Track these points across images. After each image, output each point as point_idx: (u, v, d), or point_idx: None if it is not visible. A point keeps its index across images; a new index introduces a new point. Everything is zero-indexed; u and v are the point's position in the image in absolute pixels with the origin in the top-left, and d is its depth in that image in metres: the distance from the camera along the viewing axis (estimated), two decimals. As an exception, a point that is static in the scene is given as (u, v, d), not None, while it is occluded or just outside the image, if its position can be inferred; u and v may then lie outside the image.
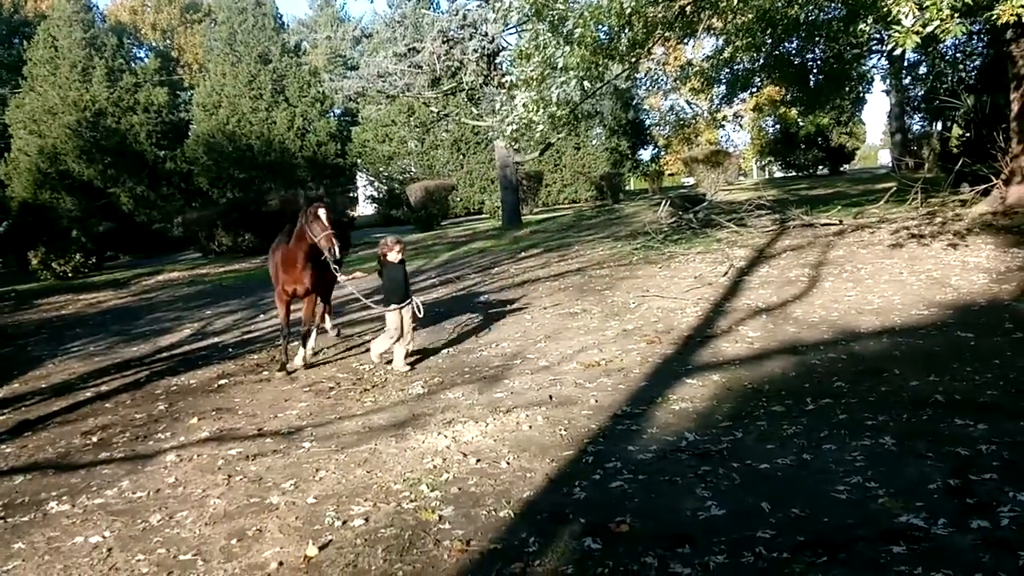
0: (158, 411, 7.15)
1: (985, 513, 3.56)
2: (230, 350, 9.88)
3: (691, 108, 46.80)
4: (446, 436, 5.43)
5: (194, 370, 8.83)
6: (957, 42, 18.30)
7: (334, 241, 7.63)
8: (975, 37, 16.83)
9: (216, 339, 10.87)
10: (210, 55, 38.87)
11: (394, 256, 7.89)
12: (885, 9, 6.65)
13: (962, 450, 4.32)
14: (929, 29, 6.05)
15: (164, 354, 10.21)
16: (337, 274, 8.15)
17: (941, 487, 3.89)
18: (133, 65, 39.68)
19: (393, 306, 7.77)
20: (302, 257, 8.04)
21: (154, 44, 50.39)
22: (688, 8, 10.57)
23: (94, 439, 6.40)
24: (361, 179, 43.45)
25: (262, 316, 12.53)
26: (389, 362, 7.99)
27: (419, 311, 7.82)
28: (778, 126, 42.47)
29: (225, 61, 36.64)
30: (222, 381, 8.11)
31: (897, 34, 6.21)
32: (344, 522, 4.17)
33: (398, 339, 7.82)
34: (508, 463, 4.83)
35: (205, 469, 5.31)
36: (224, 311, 13.73)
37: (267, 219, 28.13)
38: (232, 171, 35.22)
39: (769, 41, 13.05)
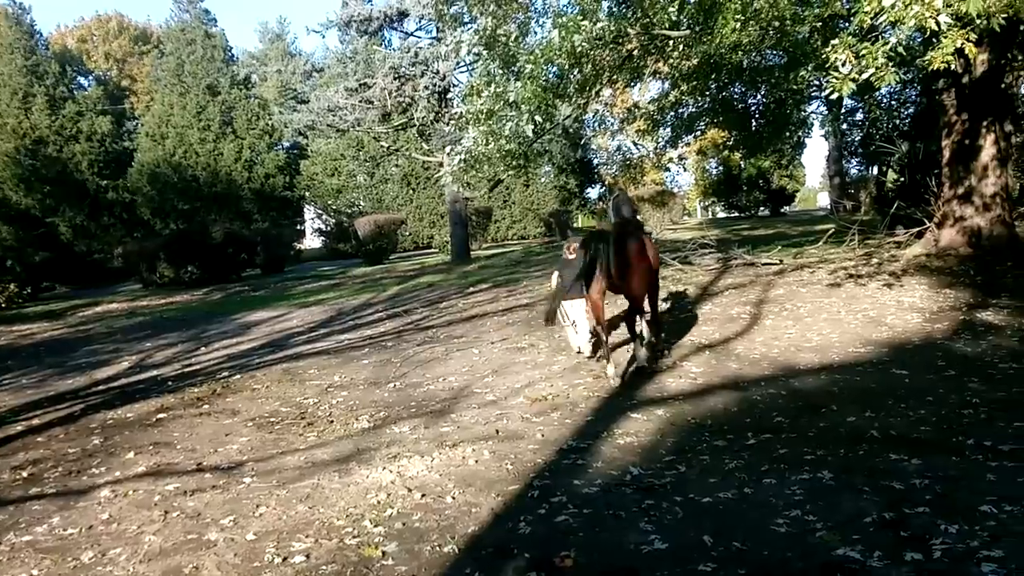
0: (93, 445, 6.93)
1: (919, 545, 3.65)
2: (170, 383, 9.65)
3: (637, 149, 47.60)
4: (391, 471, 5.38)
5: (131, 403, 8.60)
6: (892, 90, 19.09)
7: None
8: (909, 86, 17.52)
9: (155, 372, 10.61)
10: (157, 85, 38.39)
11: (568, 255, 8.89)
12: (824, 57, 6.90)
13: (897, 484, 4.42)
14: (865, 76, 6.29)
15: (100, 387, 9.93)
16: None
17: (877, 520, 3.98)
18: (76, 94, 38.95)
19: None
20: None
21: (102, 73, 49.60)
22: (635, 52, 10.81)
23: (24, 474, 6.18)
24: (309, 212, 43.17)
25: (203, 349, 12.30)
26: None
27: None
28: (721, 168, 43.45)
29: (172, 91, 36.20)
30: (161, 415, 7.91)
31: (835, 80, 6.45)
32: (284, 559, 4.10)
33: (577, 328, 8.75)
34: (453, 498, 4.80)
35: (141, 505, 5.16)
36: (164, 343, 13.42)
37: (211, 251, 27.77)
38: (176, 202, 34.64)
39: (713, 86, 13.39)
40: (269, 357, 10.99)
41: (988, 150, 11.08)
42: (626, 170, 47.99)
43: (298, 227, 42.71)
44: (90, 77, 47.46)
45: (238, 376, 9.67)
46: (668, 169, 50.03)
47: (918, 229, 12.50)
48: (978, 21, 5.88)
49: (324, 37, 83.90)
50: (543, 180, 41.93)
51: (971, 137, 11.22)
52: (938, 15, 5.64)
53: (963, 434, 5.21)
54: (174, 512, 4.96)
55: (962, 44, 5.95)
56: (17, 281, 24.51)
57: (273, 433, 6.90)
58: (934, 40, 6.37)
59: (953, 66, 6.46)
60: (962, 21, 5.90)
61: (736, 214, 43.76)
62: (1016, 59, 12.70)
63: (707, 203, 48.68)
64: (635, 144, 44.93)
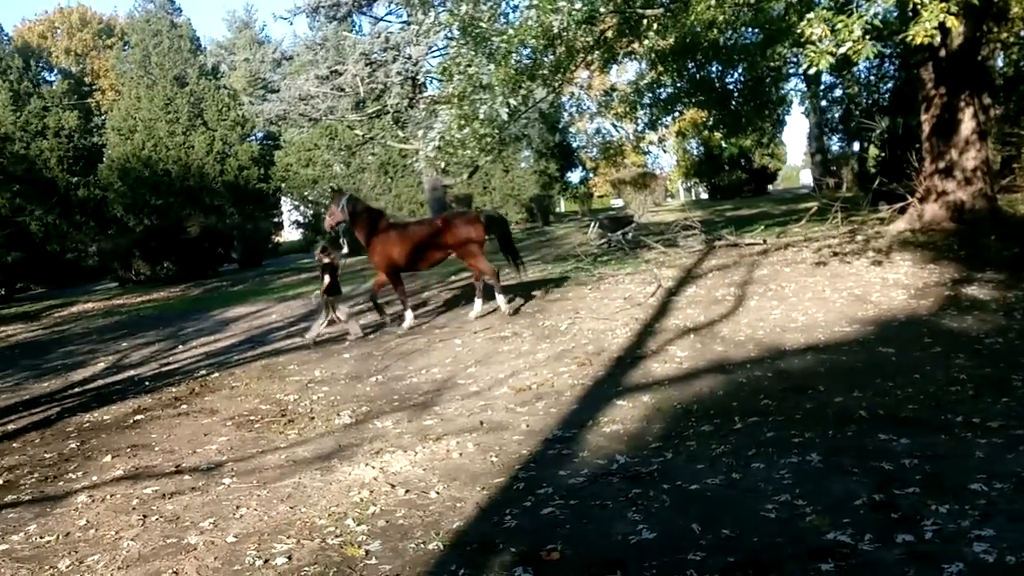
0: (69, 450, 6.79)
1: (909, 527, 3.60)
2: (147, 383, 9.49)
3: (617, 131, 47.43)
4: (373, 467, 5.28)
5: (108, 405, 8.45)
6: (871, 65, 19.10)
7: None
8: (888, 60, 17.51)
9: (132, 372, 10.45)
10: (123, 78, 37.79)
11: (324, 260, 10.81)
12: (799, 33, 6.82)
13: (886, 465, 4.37)
14: (842, 50, 6.21)
15: (76, 389, 9.77)
16: None
17: (867, 503, 3.93)
18: (41, 89, 38.29)
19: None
20: None
21: (66, 67, 48.74)
22: (609, 33, 10.68)
23: (0, 481, 6.03)
24: (286, 204, 42.70)
25: (181, 347, 12.13)
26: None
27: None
28: (702, 148, 43.37)
29: (140, 84, 35.63)
30: (138, 416, 7.77)
31: (812, 54, 6.36)
32: (266, 561, 4.00)
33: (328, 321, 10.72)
34: (438, 493, 4.72)
35: (119, 510, 5.04)
36: (141, 343, 13.22)
37: (187, 246, 27.38)
38: (148, 197, 34.14)
39: (691, 66, 13.31)
40: (248, 353, 10.84)
41: (967, 124, 11.06)
42: (606, 152, 47.92)
43: (275, 219, 42.32)
44: (55, 71, 46.64)
45: (216, 374, 9.53)
46: (648, 152, 49.90)
47: (901, 205, 12.47)
48: (958, -6, 5.82)
49: (292, 24, 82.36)
50: (523, 165, 41.63)
51: (950, 111, 11.19)
52: (919, -12, 5.57)
53: (951, 411, 5.18)
54: (153, 516, 4.84)
55: (944, 18, 5.87)
56: (-11, 283, 24.10)
57: (253, 432, 6.78)
58: (912, 14, 6.31)
59: (936, 40, 6.41)
60: (942, -6, 5.83)
61: (719, 196, 43.67)
62: (991, 31, 12.69)
63: (690, 184, 48.50)
64: (614, 126, 44.80)
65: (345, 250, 11.93)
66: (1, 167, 32.36)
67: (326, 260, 10.79)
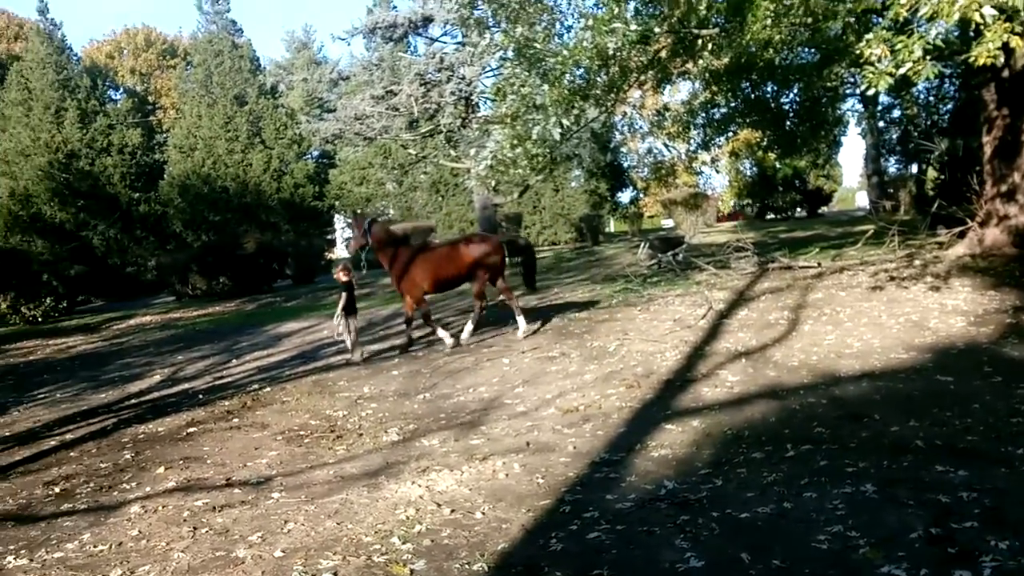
0: (124, 460, 6.94)
1: (967, 563, 3.48)
2: (200, 397, 9.68)
3: (669, 151, 47.04)
4: (420, 485, 5.29)
5: (163, 417, 8.63)
6: (930, 86, 18.72)
7: None
8: (947, 81, 17.14)
9: (187, 385, 10.67)
10: (185, 97, 38.89)
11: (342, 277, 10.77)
12: (858, 53, 6.72)
13: (943, 497, 4.23)
14: (902, 71, 6.10)
15: (132, 401, 10.00)
16: None
17: (923, 536, 3.81)
18: (107, 107, 39.56)
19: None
20: None
21: (130, 87, 50.36)
22: (663, 53, 10.66)
23: (57, 490, 6.19)
24: (339, 221, 43.34)
25: (235, 361, 12.34)
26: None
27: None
28: (755, 169, 42.81)
29: (201, 103, 36.62)
30: (191, 429, 7.91)
31: (871, 75, 6.26)
32: (312, 577, 4.01)
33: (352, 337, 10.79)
34: (483, 513, 4.71)
35: (170, 521, 5.13)
36: (196, 356, 13.51)
37: (243, 262, 27.93)
38: (207, 214, 34.99)
39: (746, 86, 13.18)
40: (299, 369, 11.00)
41: (1031, 146, 10.76)
42: (657, 173, 47.59)
43: (329, 237, 42.97)
44: (120, 90, 48.15)
45: (268, 388, 9.66)
46: (700, 173, 49.41)
47: (960, 229, 12.14)
48: (1023, 13, 5.67)
49: (350, 44, 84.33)
50: (573, 185, 41.64)
51: (1013, 133, 10.90)
52: (981, 7, 5.44)
53: (1012, 443, 4.99)
54: (203, 528, 4.92)
55: (1008, 38, 5.74)
56: (53, 295, 24.82)
57: (302, 447, 6.85)
58: (975, 34, 6.18)
59: (999, 60, 6.26)
60: (1005, 13, 5.69)
61: (772, 216, 42.97)
62: (1058, 51, 12.33)
63: (743, 204, 47.64)
64: (666, 146, 44.47)
65: (364, 271, 12.04)
66: (67, 183, 33.49)
67: (344, 279, 10.81)
